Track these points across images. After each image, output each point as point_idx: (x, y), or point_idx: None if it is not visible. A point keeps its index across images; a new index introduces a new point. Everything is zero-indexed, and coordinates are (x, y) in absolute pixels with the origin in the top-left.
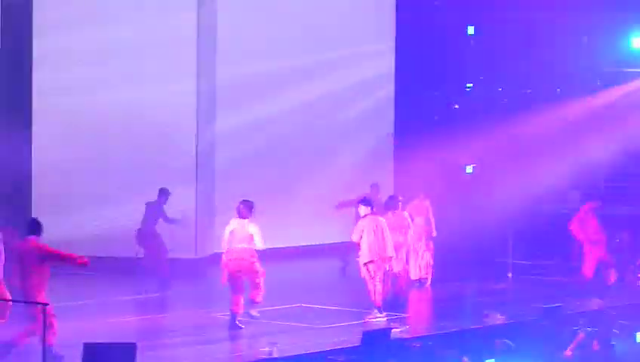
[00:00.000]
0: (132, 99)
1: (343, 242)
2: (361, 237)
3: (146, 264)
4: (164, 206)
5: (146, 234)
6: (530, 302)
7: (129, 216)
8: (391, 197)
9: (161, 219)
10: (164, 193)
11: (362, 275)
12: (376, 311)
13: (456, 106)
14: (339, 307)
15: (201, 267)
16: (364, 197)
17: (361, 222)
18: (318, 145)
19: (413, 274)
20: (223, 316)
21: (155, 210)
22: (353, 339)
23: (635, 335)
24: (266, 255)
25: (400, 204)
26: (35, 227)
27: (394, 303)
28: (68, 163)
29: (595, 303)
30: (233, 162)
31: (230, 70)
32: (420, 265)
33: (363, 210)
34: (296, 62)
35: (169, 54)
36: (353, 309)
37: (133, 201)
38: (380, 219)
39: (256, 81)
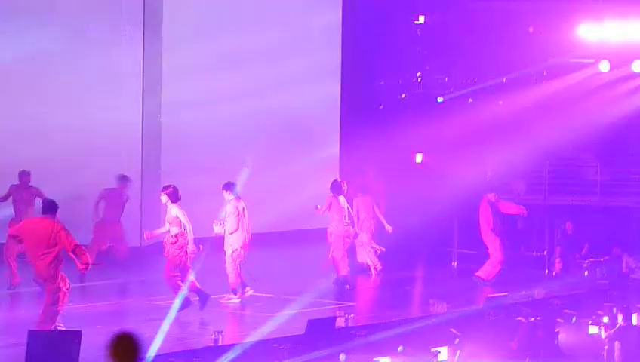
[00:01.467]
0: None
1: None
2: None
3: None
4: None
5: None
6: (475, 291)
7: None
8: (335, 183)
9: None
10: (125, 180)
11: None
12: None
13: (403, 96)
14: (285, 295)
15: (146, 255)
16: (227, 183)
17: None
18: (265, 134)
19: (360, 259)
20: (168, 304)
21: (116, 197)
22: (298, 327)
23: (580, 325)
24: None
25: (345, 189)
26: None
27: (340, 291)
28: None
29: (539, 293)
30: (178, 150)
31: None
32: (366, 253)
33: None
34: (244, 46)
35: None
36: (299, 297)
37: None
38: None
39: (202, 64)
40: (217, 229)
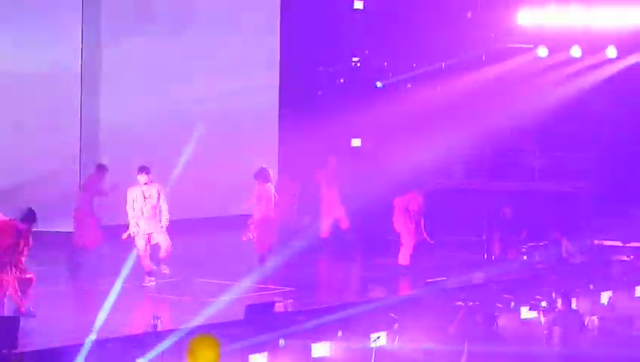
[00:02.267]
0: None
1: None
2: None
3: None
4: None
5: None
6: (414, 276)
7: None
8: (262, 170)
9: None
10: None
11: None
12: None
13: (342, 81)
14: (224, 280)
15: None
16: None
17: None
18: (204, 122)
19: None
20: (108, 288)
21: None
22: (237, 313)
23: (519, 310)
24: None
25: (270, 175)
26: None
27: (278, 276)
28: None
29: (478, 277)
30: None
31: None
32: None
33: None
34: (182, 36)
35: None
36: (238, 283)
37: None
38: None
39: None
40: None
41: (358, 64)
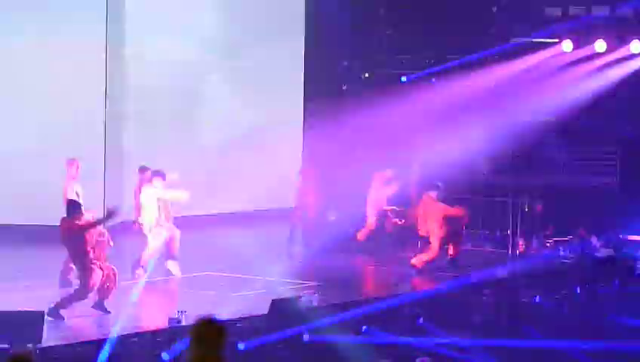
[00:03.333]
0: None
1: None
2: None
3: None
4: None
5: None
6: (439, 273)
7: None
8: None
9: None
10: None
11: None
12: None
13: (367, 75)
14: (248, 275)
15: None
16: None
17: None
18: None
19: None
20: (132, 283)
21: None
22: (262, 308)
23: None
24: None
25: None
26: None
27: (305, 271)
28: None
29: (502, 272)
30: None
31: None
32: None
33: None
34: (212, 37)
35: None
36: (263, 277)
37: None
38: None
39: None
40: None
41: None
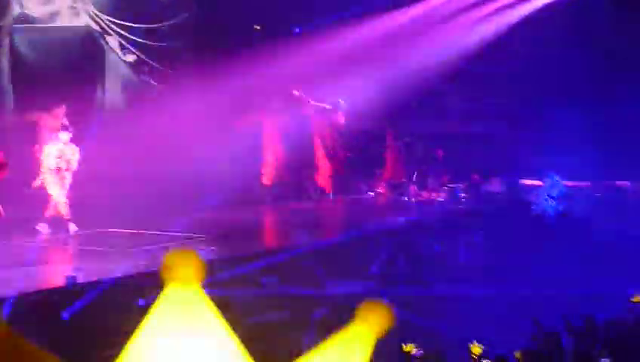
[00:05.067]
0: None
1: None
2: None
3: None
4: None
5: None
6: (335, 221)
7: None
8: None
9: None
10: None
11: None
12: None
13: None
14: (141, 230)
15: None
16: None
17: None
18: None
19: None
20: (26, 242)
21: None
22: (157, 262)
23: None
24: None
25: None
26: None
27: (201, 225)
28: None
29: (399, 220)
30: None
31: None
32: None
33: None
34: None
35: None
36: (156, 232)
37: None
38: None
39: None
40: None
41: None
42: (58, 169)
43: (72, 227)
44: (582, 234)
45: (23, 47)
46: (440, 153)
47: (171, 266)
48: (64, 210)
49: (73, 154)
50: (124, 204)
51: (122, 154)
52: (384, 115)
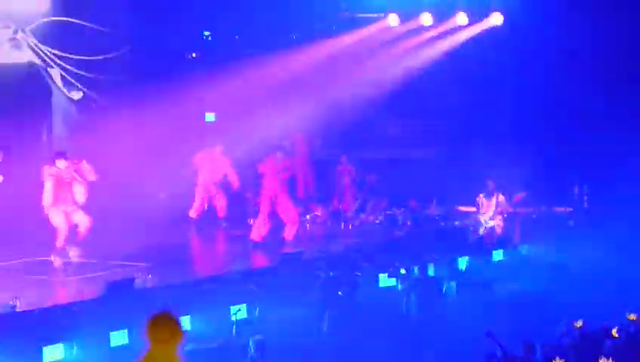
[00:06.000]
0: None
1: None
2: None
3: None
4: None
5: None
6: (273, 248)
7: None
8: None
9: None
10: None
11: None
12: None
13: (194, 55)
14: (83, 259)
15: None
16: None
17: None
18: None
19: None
20: None
21: None
22: (96, 290)
23: (378, 277)
24: None
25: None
26: None
27: (137, 253)
28: None
29: (337, 247)
30: None
31: None
32: None
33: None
34: None
35: None
36: (97, 260)
37: None
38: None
39: None
40: None
41: (210, 38)
42: None
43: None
44: None
45: None
46: (372, 178)
47: (153, 328)
48: None
49: None
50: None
51: None
52: (327, 140)
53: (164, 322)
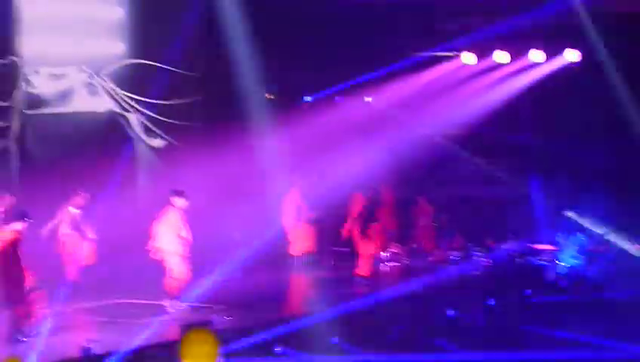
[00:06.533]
0: None
1: None
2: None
3: None
4: None
5: None
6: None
7: None
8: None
9: None
10: None
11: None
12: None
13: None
14: (157, 300)
15: None
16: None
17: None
18: None
19: None
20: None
21: None
22: (173, 333)
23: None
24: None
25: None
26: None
27: (212, 294)
28: None
29: (414, 285)
30: None
31: None
32: None
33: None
34: None
35: None
36: (170, 302)
37: None
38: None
39: None
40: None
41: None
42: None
43: None
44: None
45: (31, 136)
46: (444, 218)
47: (188, 344)
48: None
49: None
50: (138, 275)
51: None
52: (401, 181)
53: (201, 338)
